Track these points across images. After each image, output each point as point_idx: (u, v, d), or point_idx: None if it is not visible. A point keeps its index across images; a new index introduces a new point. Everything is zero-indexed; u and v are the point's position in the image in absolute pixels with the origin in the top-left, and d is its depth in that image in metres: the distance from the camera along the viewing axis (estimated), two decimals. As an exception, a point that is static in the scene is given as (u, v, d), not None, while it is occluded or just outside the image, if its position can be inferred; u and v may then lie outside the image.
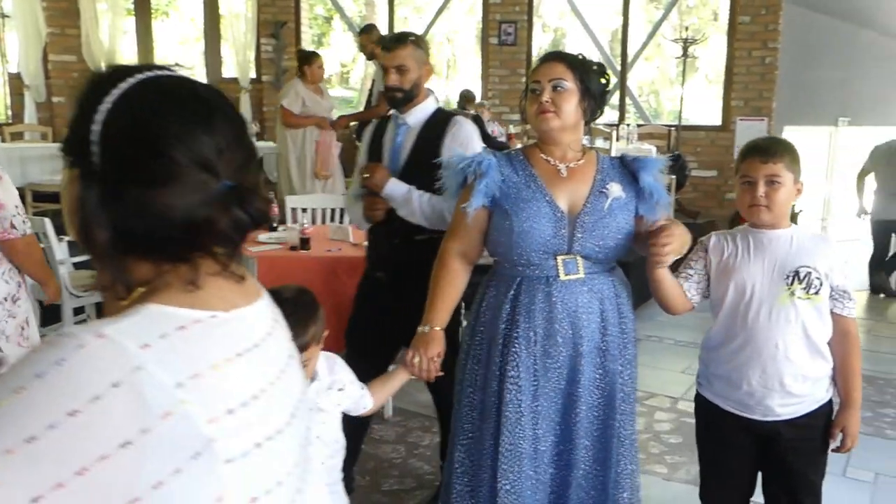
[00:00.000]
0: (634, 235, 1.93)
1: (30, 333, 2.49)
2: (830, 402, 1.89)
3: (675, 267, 1.93)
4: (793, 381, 1.80)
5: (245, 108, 8.39)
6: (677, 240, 1.74)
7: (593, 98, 1.86)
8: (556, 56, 1.87)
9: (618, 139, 6.25)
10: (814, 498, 1.92)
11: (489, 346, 1.90)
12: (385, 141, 2.57)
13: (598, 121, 6.95)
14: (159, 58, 9.01)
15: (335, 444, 1.75)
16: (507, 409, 1.82)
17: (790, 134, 7.93)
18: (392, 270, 2.54)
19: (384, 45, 2.49)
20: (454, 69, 16.95)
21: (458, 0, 14.31)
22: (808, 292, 1.78)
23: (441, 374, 1.91)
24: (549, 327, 1.82)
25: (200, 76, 9.10)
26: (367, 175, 2.46)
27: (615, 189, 1.85)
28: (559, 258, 1.82)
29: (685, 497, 2.89)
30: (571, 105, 1.81)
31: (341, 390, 1.75)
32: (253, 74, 8.50)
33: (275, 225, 4.15)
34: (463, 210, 1.87)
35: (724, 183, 7.52)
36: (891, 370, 4.32)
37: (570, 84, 1.81)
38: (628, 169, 1.92)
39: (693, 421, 3.50)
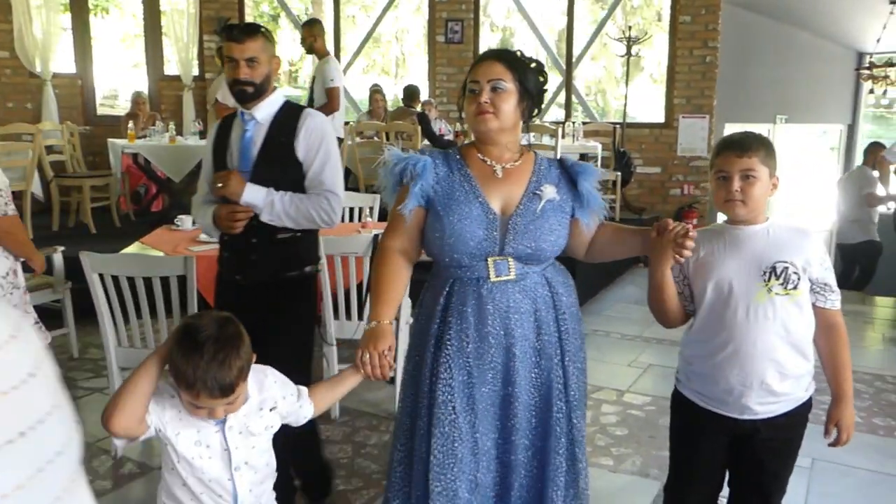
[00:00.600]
0: (571, 237, 1.92)
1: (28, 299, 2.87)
2: (810, 400, 1.88)
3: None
4: (772, 380, 1.78)
5: (188, 106, 8.21)
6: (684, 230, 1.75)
7: (531, 98, 1.84)
8: (495, 55, 1.84)
9: (563, 136, 6.30)
10: (781, 495, 1.92)
11: (423, 346, 1.87)
12: (231, 139, 2.43)
13: (544, 119, 6.99)
14: (97, 55, 8.75)
15: (265, 468, 1.66)
16: (439, 410, 1.78)
17: (730, 131, 8.14)
18: (252, 273, 2.39)
19: (233, 37, 2.32)
20: (403, 67, 16.91)
21: (405, -1, 14.30)
22: (785, 288, 1.75)
23: (394, 368, 1.84)
24: (480, 329, 1.79)
25: (142, 74, 8.87)
26: (221, 185, 2.30)
27: (549, 191, 1.83)
28: (490, 260, 1.79)
29: (631, 488, 2.93)
30: (510, 106, 1.79)
31: (273, 409, 1.63)
32: (196, 72, 8.33)
33: (217, 224, 4.06)
34: (399, 212, 1.84)
35: (668, 179, 7.67)
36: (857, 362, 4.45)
37: (509, 84, 1.78)
38: (567, 172, 1.90)
39: (639, 413, 3.59)
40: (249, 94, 2.34)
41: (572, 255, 1.96)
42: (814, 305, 1.81)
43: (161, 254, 3.53)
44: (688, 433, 1.94)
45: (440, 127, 6.99)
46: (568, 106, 8.20)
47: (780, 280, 1.76)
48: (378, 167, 1.90)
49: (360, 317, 3.31)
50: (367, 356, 1.75)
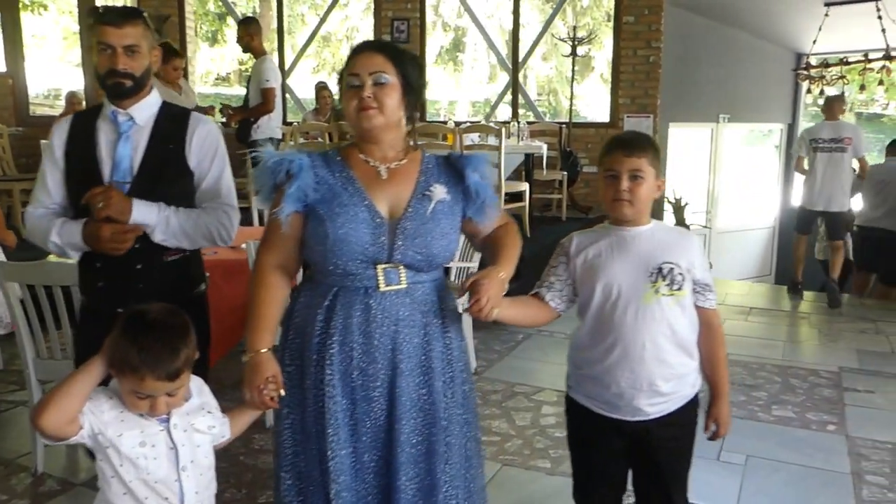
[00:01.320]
0: (468, 236, 1.86)
1: None
2: (697, 395, 1.90)
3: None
4: (661, 381, 1.79)
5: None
6: (493, 290, 1.63)
7: (414, 92, 1.72)
8: (374, 46, 1.71)
9: (508, 136, 6.28)
10: (682, 490, 1.93)
11: (302, 363, 1.72)
12: (99, 144, 2.07)
13: (490, 119, 6.92)
14: (35, 54, 8.45)
15: (210, 471, 1.62)
16: (329, 432, 1.66)
17: (675, 130, 8.27)
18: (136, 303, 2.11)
19: (109, 20, 1.98)
20: (354, 67, 16.75)
21: (354, -3, 14.17)
22: (671, 288, 1.77)
23: (282, 395, 1.70)
24: (367, 343, 1.66)
25: (78, 75, 8.60)
26: (101, 205, 1.96)
27: (439, 191, 1.72)
28: (379, 267, 1.66)
29: (567, 491, 2.84)
30: (395, 100, 1.67)
31: (210, 413, 1.63)
32: (135, 71, 8.10)
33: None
34: (274, 216, 1.69)
35: (600, 172, 7.71)
36: (762, 354, 4.53)
37: (392, 78, 1.67)
38: (455, 168, 1.78)
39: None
40: (127, 88, 2.01)
41: (476, 249, 1.89)
42: (695, 305, 1.84)
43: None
44: (583, 438, 1.94)
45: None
46: (515, 106, 8.21)
47: (667, 281, 1.77)
48: (251, 169, 1.79)
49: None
50: (247, 394, 1.66)
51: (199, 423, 1.58)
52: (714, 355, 1.89)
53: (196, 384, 1.63)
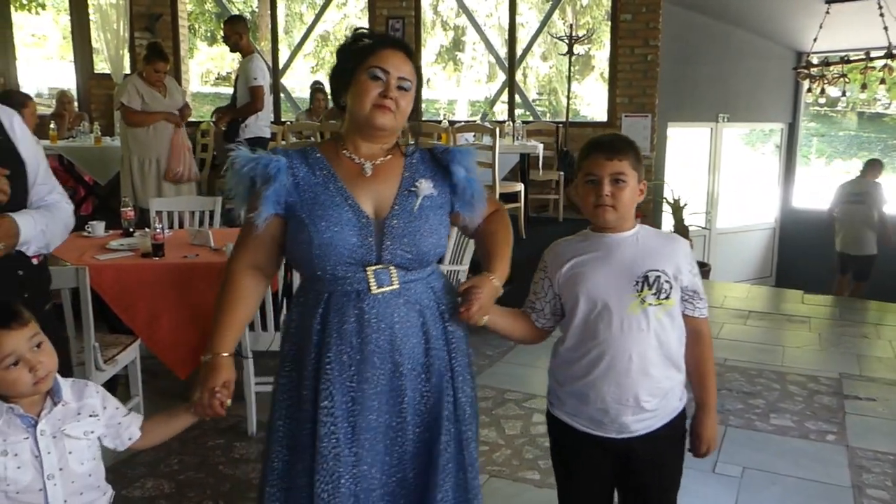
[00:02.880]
0: (460, 229, 1.81)
1: None
2: (684, 410, 1.81)
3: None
4: (648, 396, 1.70)
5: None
6: (486, 296, 1.62)
7: (418, 99, 1.74)
8: (405, 50, 1.67)
9: (503, 136, 6.18)
10: None
11: (299, 372, 1.67)
12: None
13: (487, 119, 6.84)
14: (29, 52, 8.37)
15: (86, 478, 1.53)
16: (322, 445, 1.60)
17: (674, 130, 8.16)
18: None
19: None
20: (353, 67, 16.68)
21: (351, -4, 14.10)
22: (658, 298, 1.67)
23: (227, 406, 1.63)
24: (363, 349, 1.61)
25: (70, 72, 8.51)
26: None
27: (425, 186, 1.66)
28: (369, 269, 1.60)
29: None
30: (408, 107, 1.66)
31: (94, 416, 1.53)
32: (128, 70, 8.00)
33: (131, 230, 3.84)
34: (251, 222, 1.61)
35: (579, 177, 7.62)
36: (761, 360, 4.43)
37: (412, 87, 1.65)
38: (440, 162, 1.73)
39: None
40: None
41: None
42: (682, 314, 1.74)
43: (67, 264, 3.30)
44: (566, 457, 1.83)
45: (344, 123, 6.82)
46: (511, 105, 8.11)
47: (653, 290, 1.67)
48: (226, 171, 1.72)
49: (277, 327, 3.14)
50: (197, 395, 1.60)
51: (71, 429, 1.50)
52: (702, 366, 1.79)
53: (76, 389, 1.55)
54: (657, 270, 1.67)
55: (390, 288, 1.62)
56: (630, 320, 1.67)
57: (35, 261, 1.89)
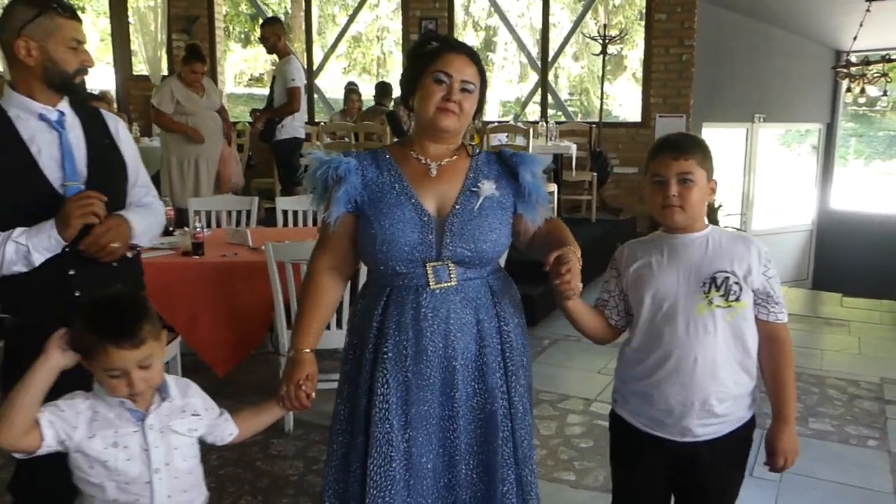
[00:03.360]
0: (515, 234, 1.82)
1: None
2: (753, 418, 1.77)
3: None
4: (714, 400, 1.67)
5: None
6: (575, 265, 1.60)
7: (482, 101, 1.77)
8: (469, 54, 1.71)
9: (537, 137, 6.18)
10: None
11: (359, 361, 1.76)
12: (38, 143, 1.87)
13: (519, 119, 6.83)
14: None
15: (188, 476, 1.59)
16: (377, 430, 1.68)
17: (709, 131, 8.07)
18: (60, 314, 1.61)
19: (67, 8, 1.88)
20: (385, 67, 16.77)
21: (383, -3, 14.17)
22: (727, 300, 1.64)
23: (312, 397, 1.73)
24: (419, 342, 1.68)
25: (109, 74, 8.68)
26: (107, 241, 1.87)
27: (487, 187, 1.71)
28: (429, 266, 1.67)
29: None
30: (472, 108, 1.72)
31: (196, 415, 1.61)
32: (165, 71, 8.15)
33: (171, 229, 3.91)
34: (325, 221, 1.72)
35: (646, 179, 7.56)
36: (799, 363, 4.33)
37: (476, 88, 1.70)
38: (507, 165, 1.78)
39: (606, 424, 3.46)
40: (83, 83, 1.96)
41: (518, 246, 1.86)
42: (756, 318, 1.70)
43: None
44: (626, 456, 1.82)
45: (410, 125, 6.85)
46: (544, 105, 8.09)
47: (721, 291, 1.65)
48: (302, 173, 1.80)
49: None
50: (284, 389, 1.70)
51: (177, 425, 1.56)
52: (779, 374, 1.71)
53: (180, 387, 1.62)
54: (726, 272, 1.65)
55: (448, 284, 1.68)
56: (696, 322, 1.65)
57: (130, 254, 2.02)
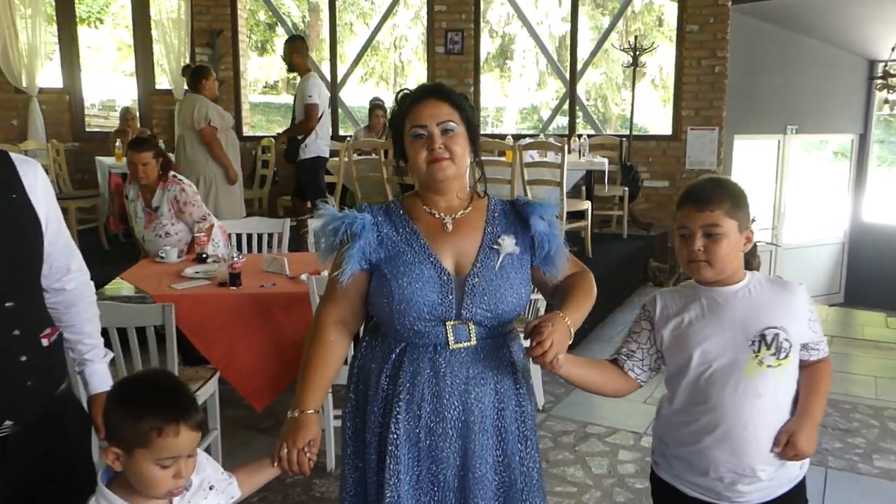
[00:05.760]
0: (537, 285, 1.73)
1: None
2: (804, 479, 1.67)
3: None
4: (765, 465, 1.57)
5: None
6: (558, 333, 1.49)
7: (476, 135, 1.67)
8: (437, 94, 1.64)
9: (569, 152, 6.04)
10: None
11: (363, 419, 1.66)
12: None
13: (548, 132, 6.68)
14: (92, 66, 8.52)
15: None
16: (387, 495, 1.57)
17: (740, 142, 7.90)
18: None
19: None
20: (402, 76, 16.69)
21: (403, 6, 14.09)
22: (778, 358, 1.53)
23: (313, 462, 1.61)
24: (436, 404, 1.58)
25: (131, 87, 8.63)
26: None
27: (507, 244, 1.62)
28: (448, 325, 1.59)
29: None
30: (463, 147, 1.62)
31: (212, 488, 1.51)
32: (185, 86, 8.07)
33: (204, 255, 3.80)
34: (336, 279, 1.62)
35: (676, 193, 7.37)
36: (853, 392, 4.19)
37: (458, 125, 1.61)
38: (520, 214, 1.69)
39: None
40: None
41: (543, 297, 1.77)
42: (804, 362, 1.60)
43: (148, 296, 3.25)
44: None
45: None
46: (572, 116, 7.94)
47: (772, 350, 1.53)
48: (314, 229, 1.71)
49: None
50: (285, 450, 1.58)
51: None
52: (816, 384, 1.61)
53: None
54: (775, 328, 1.53)
55: (467, 343, 1.60)
56: (746, 384, 1.53)
57: (45, 341, 1.58)
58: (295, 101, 5.88)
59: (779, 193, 8.63)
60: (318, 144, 5.78)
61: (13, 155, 1.56)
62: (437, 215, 1.65)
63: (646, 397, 3.97)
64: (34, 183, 1.54)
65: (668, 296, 1.67)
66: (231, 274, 3.29)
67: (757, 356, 1.53)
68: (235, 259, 3.31)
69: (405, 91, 1.67)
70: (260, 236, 4.42)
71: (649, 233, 6.98)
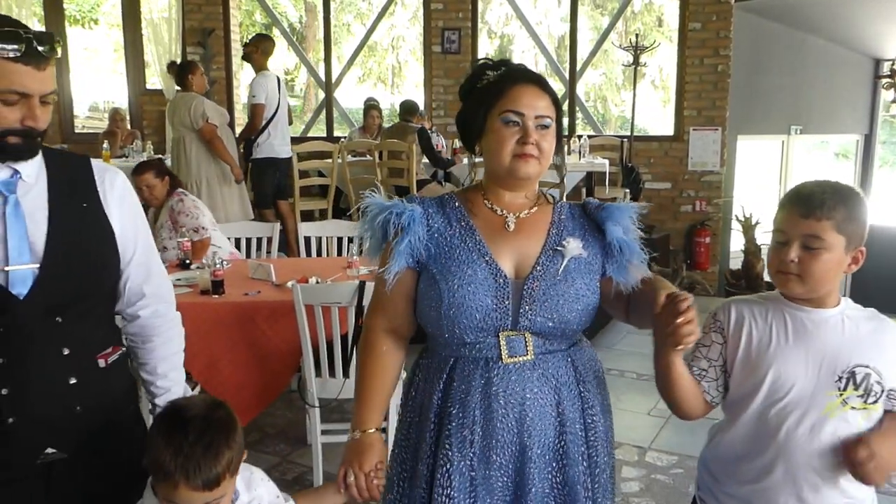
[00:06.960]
0: (603, 298, 1.53)
1: None
2: None
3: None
4: None
5: (171, 123, 7.82)
6: (694, 313, 1.29)
7: (560, 137, 1.52)
8: (541, 84, 1.47)
9: (569, 153, 5.89)
10: None
11: (417, 442, 1.51)
12: None
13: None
14: (74, 68, 8.37)
15: None
16: None
17: (744, 142, 7.74)
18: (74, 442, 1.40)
19: (33, 55, 1.30)
20: (399, 76, 16.56)
21: (401, 6, 13.96)
22: (865, 401, 1.35)
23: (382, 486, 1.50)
24: (487, 426, 1.43)
25: (122, 87, 8.47)
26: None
27: (573, 246, 1.47)
28: (502, 336, 1.43)
29: None
30: (552, 147, 1.47)
31: None
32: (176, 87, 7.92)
33: (188, 262, 3.64)
34: (382, 278, 1.48)
35: (679, 195, 7.27)
36: None
37: (553, 123, 1.46)
38: (592, 218, 1.53)
39: (666, 479, 3.15)
40: (32, 147, 1.36)
41: (614, 317, 1.57)
42: (890, 413, 1.38)
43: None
44: None
45: (437, 142, 6.58)
46: (572, 118, 7.79)
47: (860, 391, 1.34)
48: (358, 216, 1.55)
49: (346, 374, 2.89)
50: (352, 477, 1.47)
51: None
52: None
53: (244, 477, 1.45)
54: (867, 367, 1.35)
55: (523, 358, 1.44)
56: (823, 424, 1.35)
57: (102, 361, 1.44)
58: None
59: (783, 194, 8.49)
60: (270, 144, 5.66)
61: (94, 162, 1.49)
62: (499, 212, 1.50)
63: (649, 409, 3.82)
64: (110, 192, 1.47)
65: (742, 305, 1.47)
66: (213, 281, 3.13)
67: (842, 395, 1.35)
68: (218, 266, 3.14)
69: (488, 62, 1.49)
70: (248, 240, 4.26)
71: (651, 235, 6.83)
